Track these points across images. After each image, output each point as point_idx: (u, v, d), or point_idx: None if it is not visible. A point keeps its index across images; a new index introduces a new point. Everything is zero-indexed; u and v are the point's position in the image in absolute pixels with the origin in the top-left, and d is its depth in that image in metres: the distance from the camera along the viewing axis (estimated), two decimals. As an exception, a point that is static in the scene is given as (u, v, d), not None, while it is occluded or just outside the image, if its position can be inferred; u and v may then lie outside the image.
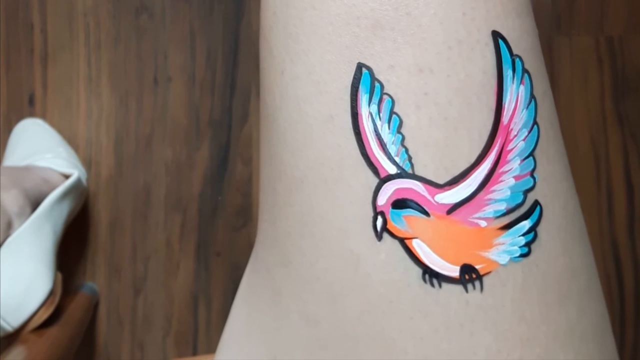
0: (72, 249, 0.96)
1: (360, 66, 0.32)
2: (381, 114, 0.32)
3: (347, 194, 0.33)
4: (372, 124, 0.32)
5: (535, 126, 0.33)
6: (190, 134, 0.97)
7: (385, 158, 0.32)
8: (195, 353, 0.98)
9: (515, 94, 0.32)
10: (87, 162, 0.97)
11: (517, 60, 0.33)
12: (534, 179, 0.33)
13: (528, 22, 0.34)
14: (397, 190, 0.32)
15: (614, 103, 1.01)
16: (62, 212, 0.87)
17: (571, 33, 1.01)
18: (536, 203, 0.33)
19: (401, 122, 0.32)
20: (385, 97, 0.32)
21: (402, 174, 0.32)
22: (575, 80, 1.01)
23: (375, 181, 0.33)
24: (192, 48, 0.97)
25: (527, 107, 0.33)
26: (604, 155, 1.01)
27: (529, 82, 0.33)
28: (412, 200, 0.32)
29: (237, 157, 0.98)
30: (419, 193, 0.32)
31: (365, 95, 0.32)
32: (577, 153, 1.01)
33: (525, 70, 0.33)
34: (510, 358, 0.32)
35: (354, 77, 0.32)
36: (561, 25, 1.01)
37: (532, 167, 0.33)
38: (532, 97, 0.33)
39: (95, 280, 0.97)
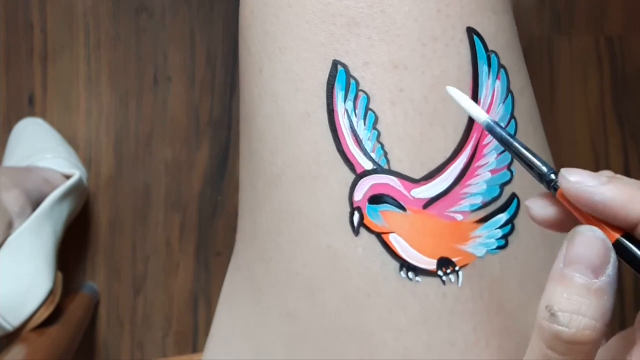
0: (72, 249, 0.96)
1: (336, 63, 0.32)
2: (357, 111, 0.32)
3: (324, 190, 0.33)
4: (348, 121, 0.32)
5: (513, 120, 0.33)
6: (190, 134, 0.98)
7: (361, 154, 0.32)
8: (195, 353, 0.98)
9: (491, 89, 0.33)
10: (87, 162, 0.97)
11: (492, 56, 0.33)
12: (512, 172, 0.33)
13: (505, 19, 0.34)
14: (373, 186, 0.32)
15: (614, 103, 1.01)
16: (63, 213, 0.87)
17: (571, 33, 1.01)
18: (513, 196, 0.33)
19: (377, 118, 0.32)
20: (360, 94, 0.32)
21: (378, 170, 0.32)
22: (575, 80, 1.01)
23: (351, 177, 0.33)
24: (192, 48, 0.98)
25: (504, 102, 0.33)
26: (604, 155, 1.01)
27: (505, 77, 0.33)
28: (388, 196, 0.32)
29: (237, 157, 0.98)
30: (395, 188, 0.32)
31: (341, 92, 0.32)
32: (577, 153, 1.01)
33: (501, 66, 0.33)
34: (489, 348, 0.33)
35: (330, 75, 0.32)
36: (561, 25, 1.01)
37: (509, 160, 0.33)
38: (509, 92, 0.33)
39: (95, 280, 0.98)
